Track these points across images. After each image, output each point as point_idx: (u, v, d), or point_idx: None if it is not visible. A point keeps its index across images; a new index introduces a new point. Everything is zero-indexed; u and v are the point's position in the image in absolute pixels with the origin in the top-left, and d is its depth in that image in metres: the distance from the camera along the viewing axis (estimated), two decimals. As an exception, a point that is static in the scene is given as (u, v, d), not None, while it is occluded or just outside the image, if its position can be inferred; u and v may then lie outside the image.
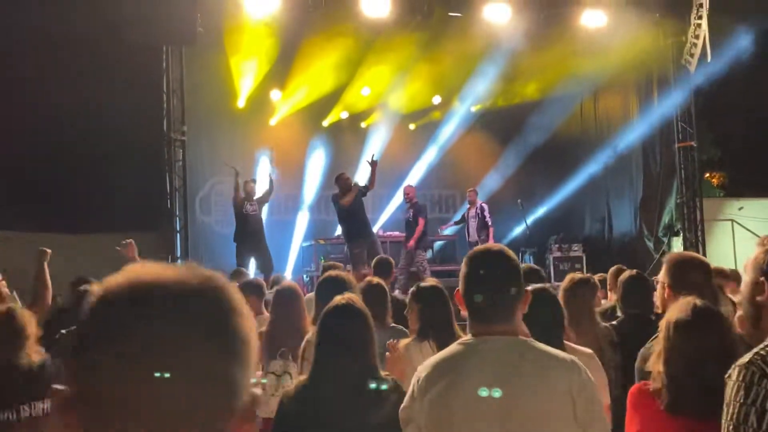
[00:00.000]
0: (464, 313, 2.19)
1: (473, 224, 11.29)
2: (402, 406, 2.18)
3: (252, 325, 0.90)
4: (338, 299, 2.78)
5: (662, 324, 2.50)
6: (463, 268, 2.19)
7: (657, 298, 3.16)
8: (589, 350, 3.16)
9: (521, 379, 2.02)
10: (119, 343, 0.81)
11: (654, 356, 2.51)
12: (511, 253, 2.18)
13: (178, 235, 9.63)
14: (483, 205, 11.39)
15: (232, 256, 11.28)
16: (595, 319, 4.30)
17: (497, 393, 2.04)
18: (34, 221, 6.88)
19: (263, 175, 10.86)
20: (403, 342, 3.58)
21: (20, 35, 8.18)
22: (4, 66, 8.28)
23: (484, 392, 2.01)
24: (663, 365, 2.41)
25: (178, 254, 9.55)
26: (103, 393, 0.80)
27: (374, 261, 6.53)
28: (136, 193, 8.63)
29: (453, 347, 2.16)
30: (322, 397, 2.58)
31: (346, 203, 9.33)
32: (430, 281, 4.20)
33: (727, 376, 1.91)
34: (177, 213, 9.56)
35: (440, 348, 3.38)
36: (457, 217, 12.87)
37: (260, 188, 10.46)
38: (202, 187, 12.30)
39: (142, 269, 0.88)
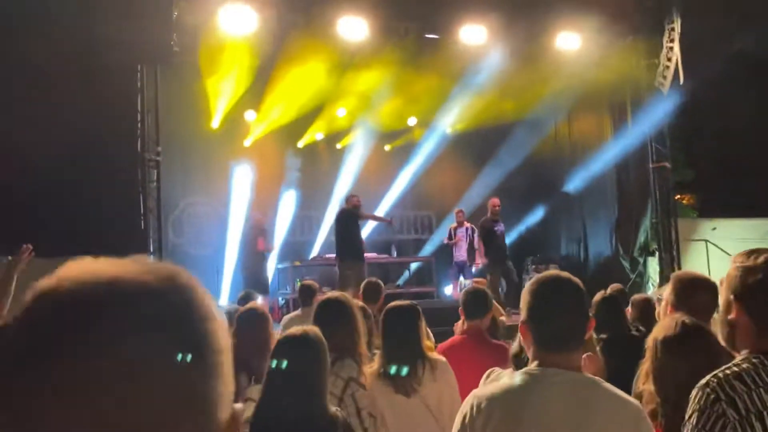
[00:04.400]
0: (525, 342, 2.11)
1: (462, 244, 11.41)
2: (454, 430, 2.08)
3: (225, 331, 0.75)
4: (294, 330, 2.64)
5: (649, 342, 2.45)
6: (528, 295, 2.09)
7: (659, 315, 3.12)
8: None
9: (591, 421, 1.92)
10: (67, 355, 0.63)
11: (642, 375, 2.46)
12: (578, 281, 2.10)
13: (152, 257, 9.40)
14: (473, 227, 11.52)
15: (206, 278, 11.11)
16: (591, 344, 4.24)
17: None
18: (3, 245, 6.65)
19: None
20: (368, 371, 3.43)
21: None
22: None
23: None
24: (653, 384, 2.36)
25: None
26: (47, 419, 0.62)
27: (363, 284, 6.32)
28: (109, 215, 8.40)
29: (518, 376, 2.05)
30: None
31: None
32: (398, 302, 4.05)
33: (691, 395, 1.88)
34: (151, 235, 9.34)
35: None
36: (438, 236, 13.04)
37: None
38: (175, 208, 12.11)
39: (88, 265, 0.70)
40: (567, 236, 13.87)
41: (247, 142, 12.86)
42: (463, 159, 13.94)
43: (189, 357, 0.68)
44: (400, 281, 13.15)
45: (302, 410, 2.48)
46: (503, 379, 2.16)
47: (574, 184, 13.21)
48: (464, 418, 2.06)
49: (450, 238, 11.84)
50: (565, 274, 2.16)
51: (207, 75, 11.09)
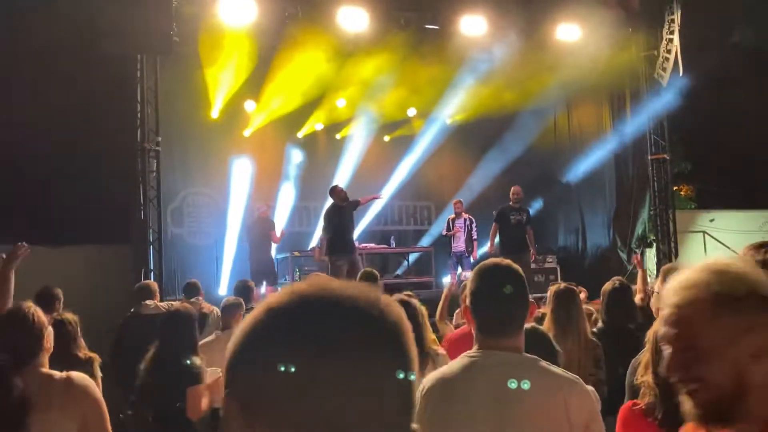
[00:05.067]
0: (471, 327, 2.19)
1: (460, 235, 11.41)
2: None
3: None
4: None
5: (649, 334, 2.46)
6: (472, 282, 2.19)
7: (653, 307, 3.14)
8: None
9: (520, 398, 1.99)
10: (318, 352, 0.77)
11: (641, 367, 2.46)
12: (518, 268, 2.20)
13: (152, 247, 9.44)
14: (471, 218, 11.50)
15: (205, 267, 11.15)
16: (584, 332, 4.27)
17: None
18: (5, 233, 6.69)
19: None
20: None
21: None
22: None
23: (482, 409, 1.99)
24: (652, 376, 2.36)
25: (152, 267, 9.36)
26: (295, 408, 0.76)
27: (360, 274, 6.34)
28: (110, 204, 8.45)
29: (459, 360, 2.15)
30: None
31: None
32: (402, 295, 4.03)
33: None
34: (150, 225, 9.36)
35: None
36: (437, 227, 13.04)
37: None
38: (174, 198, 12.11)
39: (324, 281, 0.84)
40: (565, 227, 13.89)
41: (247, 133, 12.84)
42: (462, 150, 13.93)
43: (409, 371, 0.80)
44: (399, 271, 13.19)
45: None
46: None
47: (572, 175, 13.22)
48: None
49: (448, 229, 11.85)
50: (506, 261, 2.26)
51: (207, 65, 11.07)
